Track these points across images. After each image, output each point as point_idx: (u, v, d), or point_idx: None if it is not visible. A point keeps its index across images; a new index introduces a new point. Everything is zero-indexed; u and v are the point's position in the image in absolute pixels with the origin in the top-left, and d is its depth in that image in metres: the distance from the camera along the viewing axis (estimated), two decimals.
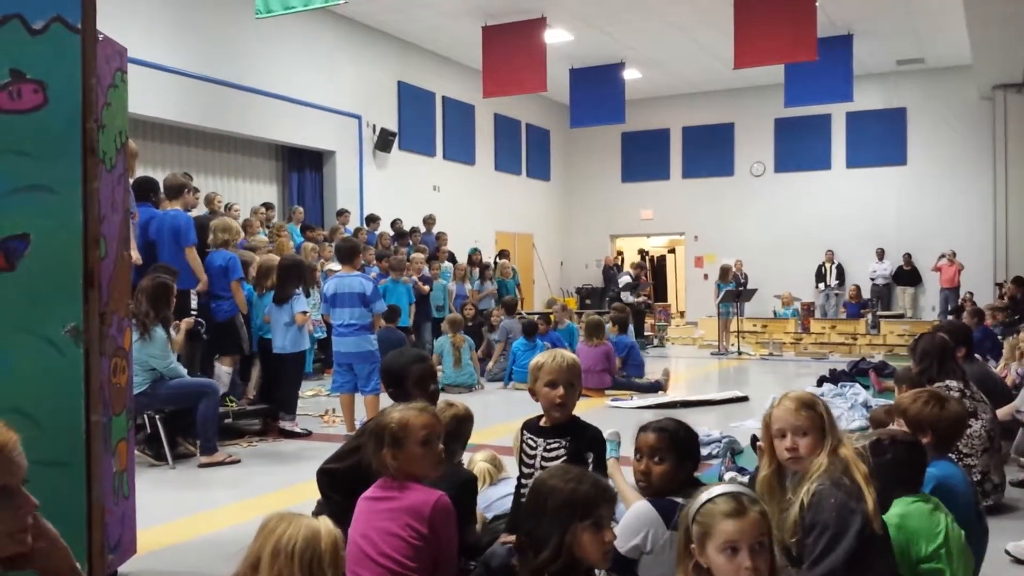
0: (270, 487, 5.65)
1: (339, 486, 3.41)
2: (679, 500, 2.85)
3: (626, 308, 12.63)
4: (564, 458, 3.17)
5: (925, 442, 3.42)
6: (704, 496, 2.22)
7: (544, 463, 3.20)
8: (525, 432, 3.36)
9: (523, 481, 3.32)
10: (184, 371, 6.34)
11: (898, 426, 3.56)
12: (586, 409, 6.33)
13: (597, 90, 17.18)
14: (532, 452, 3.28)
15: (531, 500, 2.44)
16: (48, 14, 3.31)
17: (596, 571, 2.45)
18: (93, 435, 3.33)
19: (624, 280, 17.39)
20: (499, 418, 7.82)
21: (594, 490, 2.36)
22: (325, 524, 2.00)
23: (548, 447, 3.23)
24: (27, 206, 3.28)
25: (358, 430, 3.93)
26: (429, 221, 15.75)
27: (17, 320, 3.27)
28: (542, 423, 3.33)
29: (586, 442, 3.23)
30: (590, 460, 3.18)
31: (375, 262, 12.14)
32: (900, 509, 2.95)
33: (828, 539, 2.58)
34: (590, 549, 2.31)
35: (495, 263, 16.01)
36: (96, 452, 3.32)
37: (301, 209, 13.56)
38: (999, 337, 10.22)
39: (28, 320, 3.28)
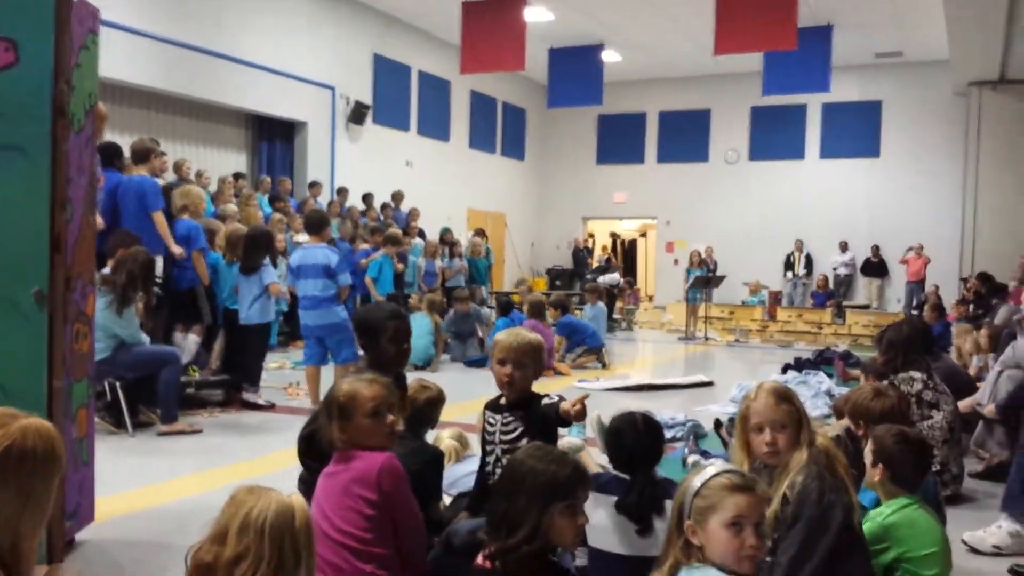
0: (231, 458, 5.60)
1: (317, 451, 3.35)
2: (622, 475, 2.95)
3: (563, 297, 12.74)
4: (520, 430, 3.19)
5: (860, 434, 3.48)
6: (709, 472, 2.19)
7: (503, 437, 3.24)
8: (487, 411, 3.38)
9: (487, 460, 3.34)
10: (147, 339, 6.25)
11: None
12: (555, 389, 6.28)
13: (575, 71, 17.08)
14: (492, 429, 3.31)
15: (507, 479, 2.41)
16: None
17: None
18: (55, 401, 3.27)
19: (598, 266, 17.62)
20: (465, 396, 7.79)
21: (574, 473, 2.35)
22: (299, 501, 1.92)
23: (505, 422, 3.26)
24: None
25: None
26: (397, 197, 15.58)
27: None
28: (501, 401, 3.34)
29: (539, 413, 3.19)
30: (555, 400, 3.16)
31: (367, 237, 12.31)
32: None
33: (812, 533, 2.55)
34: (564, 532, 2.31)
35: (470, 240, 15.94)
36: (58, 419, 3.27)
37: (268, 179, 13.36)
38: None
39: None
